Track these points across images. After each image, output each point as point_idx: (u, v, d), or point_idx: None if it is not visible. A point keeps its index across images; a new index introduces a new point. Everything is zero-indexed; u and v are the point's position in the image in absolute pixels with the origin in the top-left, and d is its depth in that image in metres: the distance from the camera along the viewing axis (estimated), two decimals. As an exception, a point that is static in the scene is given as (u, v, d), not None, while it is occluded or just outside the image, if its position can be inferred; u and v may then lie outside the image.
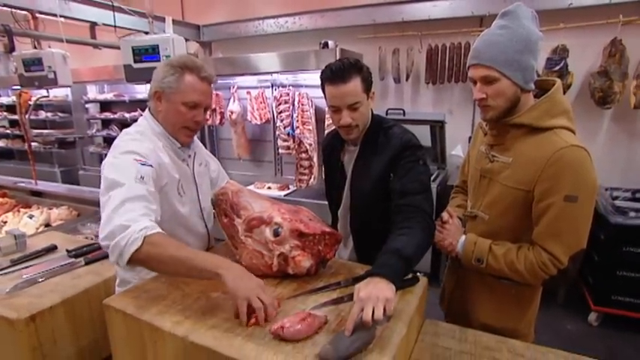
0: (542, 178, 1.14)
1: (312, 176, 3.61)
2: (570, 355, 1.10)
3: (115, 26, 2.86)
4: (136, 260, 1.04)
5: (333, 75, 1.29)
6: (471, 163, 1.46)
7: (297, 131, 3.52)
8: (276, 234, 1.18)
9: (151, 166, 1.21)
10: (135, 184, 1.13)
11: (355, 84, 1.28)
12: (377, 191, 1.36)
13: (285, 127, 3.60)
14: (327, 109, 1.44)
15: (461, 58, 3.44)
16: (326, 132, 3.39)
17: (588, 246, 1.17)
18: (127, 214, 1.07)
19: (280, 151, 3.73)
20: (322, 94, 1.37)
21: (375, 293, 0.93)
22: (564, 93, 3.07)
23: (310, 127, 3.52)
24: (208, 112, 1.38)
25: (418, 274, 1.22)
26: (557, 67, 3.07)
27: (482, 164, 1.35)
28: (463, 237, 1.33)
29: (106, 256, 1.55)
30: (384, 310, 0.91)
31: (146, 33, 2.53)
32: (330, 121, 3.37)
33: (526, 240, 1.23)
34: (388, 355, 0.88)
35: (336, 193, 1.52)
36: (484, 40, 1.18)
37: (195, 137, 1.49)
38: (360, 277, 1.18)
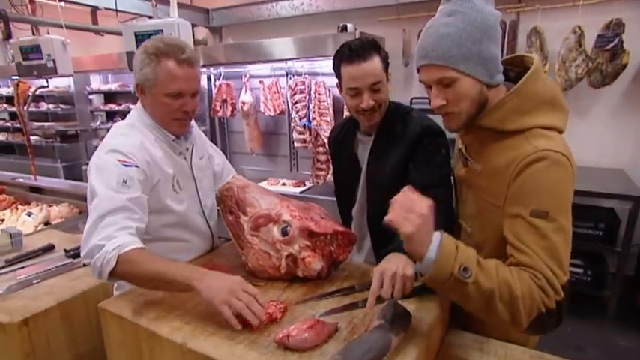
0: (509, 193, 1.01)
1: (330, 172, 3.59)
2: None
3: (116, 10, 2.91)
4: (115, 277, 1.10)
5: (352, 53, 1.29)
6: (453, 164, 1.35)
7: (314, 123, 3.50)
8: (284, 233, 1.18)
9: (136, 166, 1.22)
10: (115, 194, 1.16)
11: (376, 62, 1.30)
12: (396, 182, 1.32)
13: (300, 119, 3.58)
14: (343, 95, 1.41)
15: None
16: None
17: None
18: (105, 230, 1.11)
19: (296, 144, 3.72)
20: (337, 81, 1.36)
21: (394, 269, 0.96)
22: (616, 76, 2.99)
23: (328, 119, 3.49)
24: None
25: None
26: (609, 45, 2.93)
27: (457, 168, 1.24)
28: (437, 235, 0.90)
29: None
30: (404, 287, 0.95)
31: (150, 17, 2.56)
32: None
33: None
34: (405, 369, 0.86)
35: (349, 189, 1.50)
36: (431, 34, 1.01)
37: (196, 129, 1.49)
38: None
